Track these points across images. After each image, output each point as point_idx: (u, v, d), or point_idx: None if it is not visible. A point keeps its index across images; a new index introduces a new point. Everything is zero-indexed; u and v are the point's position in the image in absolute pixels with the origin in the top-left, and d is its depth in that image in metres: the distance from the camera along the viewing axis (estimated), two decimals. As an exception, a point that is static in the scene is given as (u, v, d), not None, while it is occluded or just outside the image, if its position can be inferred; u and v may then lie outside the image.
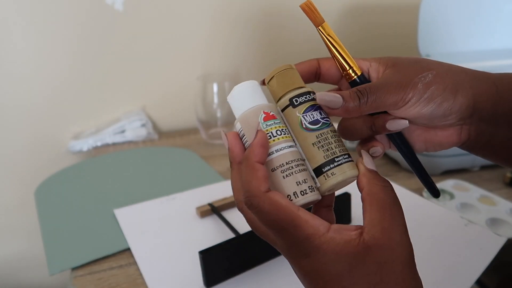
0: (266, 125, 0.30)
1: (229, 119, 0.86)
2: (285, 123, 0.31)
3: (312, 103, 0.31)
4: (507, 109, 0.32)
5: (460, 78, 0.32)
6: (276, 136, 0.30)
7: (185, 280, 0.47)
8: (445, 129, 0.33)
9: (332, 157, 0.30)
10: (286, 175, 0.29)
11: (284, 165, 0.29)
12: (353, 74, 0.33)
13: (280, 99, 0.32)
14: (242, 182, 0.29)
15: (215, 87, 0.83)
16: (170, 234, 0.56)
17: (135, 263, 0.51)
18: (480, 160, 0.71)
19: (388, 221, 0.27)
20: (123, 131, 0.89)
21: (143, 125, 0.90)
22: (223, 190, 0.65)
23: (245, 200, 0.29)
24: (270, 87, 0.33)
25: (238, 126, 0.31)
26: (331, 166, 0.30)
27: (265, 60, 0.99)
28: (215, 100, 0.84)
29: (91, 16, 0.83)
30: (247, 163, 0.29)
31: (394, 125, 0.32)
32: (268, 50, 0.99)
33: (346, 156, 0.30)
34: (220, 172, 0.74)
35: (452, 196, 0.63)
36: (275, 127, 0.30)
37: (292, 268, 0.30)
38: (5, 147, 0.87)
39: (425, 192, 0.64)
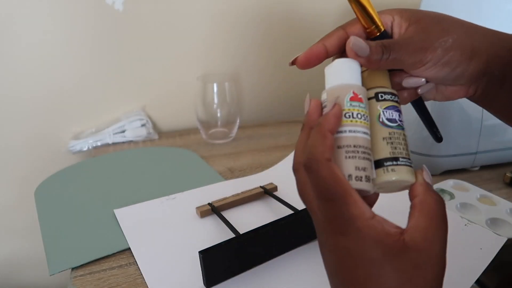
0: (351, 104, 0.30)
1: (229, 119, 0.86)
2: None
3: (395, 104, 0.32)
4: None
5: (478, 43, 0.33)
6: (355, 118, 0.30)
7: (185, 280, 0.47)
8: (455, 85, 0.36)
9: (397, 155, 0.30)
10: (349, 157, 0.29)
11: (351, 147, 0.29)
12: (376, 31, 0.34)
13: (367, 90, 0.33)
14: (308, 145, 0.29)
15: (215, 87, 0.83)
16: (170, 234, 0.56)
17: (135, 263, 0.51)
18: (480, 160, 0.71)
19: (433, 232, 0.28)
20: (123, 131, 0.89)
21: (143, 125, 0.90)
22: (223, 190, 0.65)
23: (306, 161, 0.29)
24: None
25: (324, 96, 0.32)
26: (393, 163, 0.30)
27: (265, 60, 0.99)
28: (215, 100, 0.84)
29: (91, 16, 0.83)
30: (319, 129, 0.29)
31: (411, 83, 0.34)
32: (268, 50, 0.99)
33: (410, 162, 0.31)
34: (220, 172, 0.74)
35: (452, 196, 0.63)
36: (358, 110, 0.30)
37: (321, 242, 0.30)
38: (5, 147, 0.87)
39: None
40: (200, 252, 0.44)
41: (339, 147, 0.30)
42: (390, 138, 0.31)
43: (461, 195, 0.63)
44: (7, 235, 0.95)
